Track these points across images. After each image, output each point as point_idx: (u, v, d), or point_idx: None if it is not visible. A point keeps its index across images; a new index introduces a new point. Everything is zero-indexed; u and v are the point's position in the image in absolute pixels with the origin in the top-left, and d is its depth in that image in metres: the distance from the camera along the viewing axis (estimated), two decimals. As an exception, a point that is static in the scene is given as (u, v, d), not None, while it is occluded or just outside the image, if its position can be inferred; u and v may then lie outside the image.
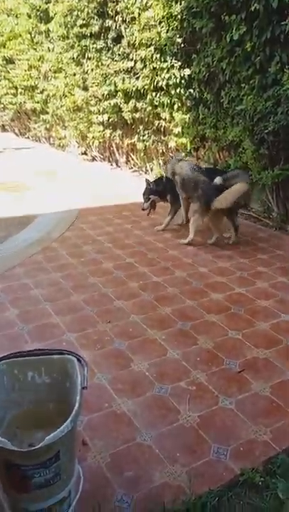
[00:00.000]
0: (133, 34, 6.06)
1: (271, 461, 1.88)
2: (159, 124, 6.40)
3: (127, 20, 6.21)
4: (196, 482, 1.76)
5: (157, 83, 5.91)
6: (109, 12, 6.49)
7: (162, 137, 6.66)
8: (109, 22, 6.54)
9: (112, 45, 6.76)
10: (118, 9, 6.28)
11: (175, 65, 5.57)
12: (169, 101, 5.92)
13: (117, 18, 6.39)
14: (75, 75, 7.77)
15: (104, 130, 7.62)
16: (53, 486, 1.44)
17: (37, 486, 1.40)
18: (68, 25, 7.38)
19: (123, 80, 6.61)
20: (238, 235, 4.43)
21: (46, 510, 1.47)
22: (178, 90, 5.68)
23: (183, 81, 5.58)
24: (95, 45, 6.95)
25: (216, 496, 1.71)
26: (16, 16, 9.37)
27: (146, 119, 6.68)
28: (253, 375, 2.42)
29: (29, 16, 8.82)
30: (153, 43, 5.71)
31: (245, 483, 1.78)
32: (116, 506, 1.66)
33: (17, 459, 1.36)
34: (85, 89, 7.63)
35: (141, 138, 7.00)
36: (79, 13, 6.96)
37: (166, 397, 2.24)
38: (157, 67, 5.78)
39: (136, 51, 6.14)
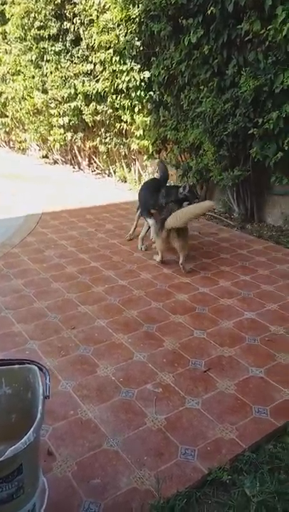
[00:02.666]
0: (92, 36, 6.03)
1: (238, 458, 1.90)
2: (120, 126, 6.40)
3: (85, 22, 6.19)
4: (165, 485, 1.75)
5: (117, 86, 5.92)
6: (67, 14, 6.45)
7: (124, 140, 6.66)
8: (67, 24, 6.49)
9: (70, 48, 6.72)
10: (76, 11, 6.25)
11: (135, 67, 5.60)
12: (129, 103, 5.93)
13: (75, 20, 6.35)
14: (34, 77, 7.65)
15: (65, 133, 7.54)
16: (17, 500, 1.39)
17: (-1, 502, 1.35)
18: (26, 27, 7.27)
19: (83, 83, 6.57)
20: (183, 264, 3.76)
21: (10, 526, 1.42)
22: (138, 93, 5.70)
23: (143, 84, 5.61)
24: (53, 48, 6.87)
25: (184, 497, 1.70)
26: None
27: (107, 122, 6.66)
28: (218, 373, 2.44)
29: (-15, 18, 8.61)
30: (112, 45, 5.71)
31: (213, 483, 1.79)
32: (83, 516, 1.63)
33: (-23, 474, 1.31)
34: (45, 91, 7.52)
35: (103, 141, 6.98)
36: (36, 14, 6.86)
37: (133, 401, 2.22)
38: (117, 69, 5.77)
39: (95, 54, 6.12)
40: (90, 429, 2.03)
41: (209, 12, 4.09)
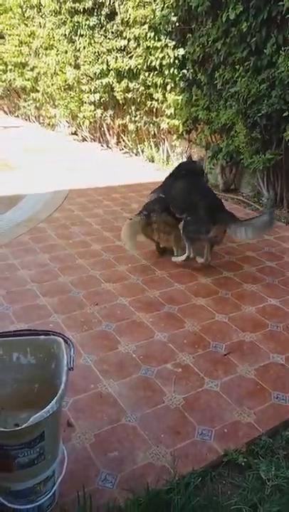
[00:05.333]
0: (127, 11, 5.92)
1: (254, 442, 1.90)
2: (151, 104, 6.31)
3: (121, -4, 6.06)
4: (180, 463, 1.78)
5: (150, 63, 5.81)
6: (103, -13, 6.32)
7: (154, 118, 6.58)
8: (103, -3, 6.37)
9: (105, 23, 6.61)
10: (112, -16, 6.11)
11: (169, 44, 5.47)
12: (162, 81, 5.83)
13: (111, -7, 6.22)
14: (66, 52, 7.58)
15: (95, 110, 7.49)
16: (37, 465, 1.43)
17: (20, 466, 1.39)
18: (61, 0, 7.17)
19: (116, 59, 6.48)
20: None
21: (30, 490, 1.47)
22: (171, 70, 5.59)
23: (177, 61, 5.50)
24: (87, 22, 6.77)
25: (199, 476, 1.73)
26: (7, -11, 9.07)
27: (138, 100, 6.58)
28: (239, 357, 2.43)
29: (20, -11, 8.55)
30: (147, 21, 5.59)
31: (228, 464, 1.81)
32: (100, 486, 1.67)
33: (1, 438, 1.35)
34: (77, 67, 7.46)
35: (132, 119, 6.90)
36: (72, -13, 6.75)
37: (152, 379, 2.24)
38: (151, 46, 5.67)
39: (130, 29, 6.01)
40: (109, 404, 2.07)
41: (250, -13, 3.95)
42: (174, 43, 5.45)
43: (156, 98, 6.11)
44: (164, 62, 5.60)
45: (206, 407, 2.08)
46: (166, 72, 5.66)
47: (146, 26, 5.62)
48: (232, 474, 1.78)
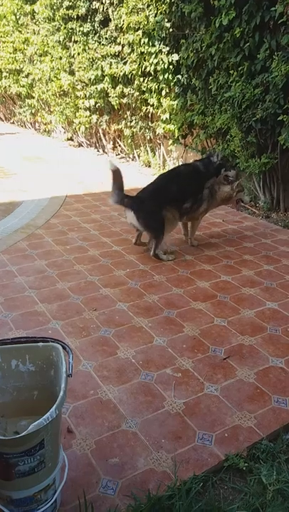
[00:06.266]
0: (121, 17, 5.96)
1: (255, 446, 1.90)
2: (146, 110, 6.33)
3: (115, 2, 6.11)
4: (181, 468, 1.77)
5: (145, 68, 5.84)
6: (97, -6, 6.36)
7: (150, 123, 6.60)
8: (96, 4, 6.42)
9: (99, 29, 6.65)
10: (106, -9, 6.15)
11: (163, 50, 5.51)
12: (156, 87, 5.86)
13: (104, 0, 6.25)
14: (61, 58, 7.62)
15: (90, 115, 7.52)
16: (38, 473, 1.43)
17: (21, 474, 1.38)
18: (54, 7, 7.23)
19: (110, 65, 6.51)
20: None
21: (31, 498, 1.46)
22: (166, 76, 5.62)
23: (171, 66, 5.53)
24: (81, 28, 6.82)
25: (200, 481, 1.72)
26: (0, -3, 9.12)
27: (133, 105, 6.61)
28: (238, 361, 2.43)
29: (14, -3, 8.59)
30: (141, 26, 5.62)
31: (229, 469, 1.80)
32: (101, 493, 1.67)
33: (0, 447, 1.35)
34: (72, 73, 7.49)
35: (128, 124, 6.93)
36: (65, -6, 6.79)
37: (152, 384, 2.24)
38: (145, 51, 5.70)
39: (123, 35, 6.05)
40: (109, 410, 2.06)
41: (243, -7, 3.98)
42: (168, 48, 5.48)
43: (151, 103, 6.14)
44: (158, 68, 5.64)
45: (207, 411, 2.07)
46: (161, 77, 5.69)
47: (140, 32, 5.65)
48: (233, 479, 1.77)
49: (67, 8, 6.86)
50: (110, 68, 6.50)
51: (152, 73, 5.80)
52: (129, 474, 1.75)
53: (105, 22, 6.51)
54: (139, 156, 7.36)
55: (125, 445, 1.88)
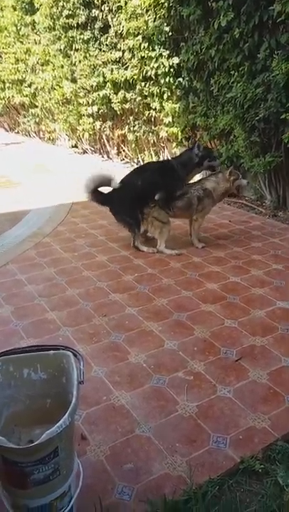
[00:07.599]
0: (120, 23, 5.99)
1: (270, 448, 1.88)
2: (149, 114, 6.35)
3: (114, 9, 6.14)
4: (197, 472, 1.76)
5: (146, 73, 5.86)
6: (96, 1, 6.42)
7: (153, 127, 6.61)
8: (95, 12, 6.47)
9: (99, 36, 6.69)
10: (104, -2, 6.20)
11: (163, 53, 5.52)
12: (158, 90, 5.87)
13: (103, 7, 6.32)
14: (62, 67, 7.68)
15: (94, 122, 7.56)
16: (53, 481, 1.43)
17: (36, 483, 1.39)
18: (54, 17, 7.29)
19: (112, 71, 6.55)
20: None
21: (47, 506, 1.46)
22: (167, 79, 5.63)
23: (172, 70, 5.54)
24: (82, 36, 6.87)
25: (216, 484, 1.71)
26: (1, 9, 9.22)
27: (136, 110, 6.63)
28: (250, 363, 2.42)
29: (14, 8, 8.69)
30: (141, 32, 5.64)
31: (245, 471, 1.79)
32: (117, 499, 1.66)
33: (15, 456, 1.35)
34: (74, 81, 7.55)
35: (131, 129, 6.95)
36: (65, 3, 6.88)
37: (164, 388, 2.23)
38: (146, 56, 5.72)
39: (124, 41, 6.08)
40: (122, 415, 2.06)
41: (240, -7, 3.98)
42: (168, 52, 5.50)
43: (153, 107, 6.15)
44: (159, 72, 5.65)
45: (220, 414, 2.07)
46: (162, 81, 5.70)
47: (139, 37, 5.68)
48: (249, 481, 1.76)
49: (67, 16, 6.92)
50: (112, 74, 6.54)
51: (153, 77, 5.82)
52: (144, 479, 1.74)
53: (105, 29, 6.56)
54: (143, 160, 7.37)
55: (139, 450, 1.87)
